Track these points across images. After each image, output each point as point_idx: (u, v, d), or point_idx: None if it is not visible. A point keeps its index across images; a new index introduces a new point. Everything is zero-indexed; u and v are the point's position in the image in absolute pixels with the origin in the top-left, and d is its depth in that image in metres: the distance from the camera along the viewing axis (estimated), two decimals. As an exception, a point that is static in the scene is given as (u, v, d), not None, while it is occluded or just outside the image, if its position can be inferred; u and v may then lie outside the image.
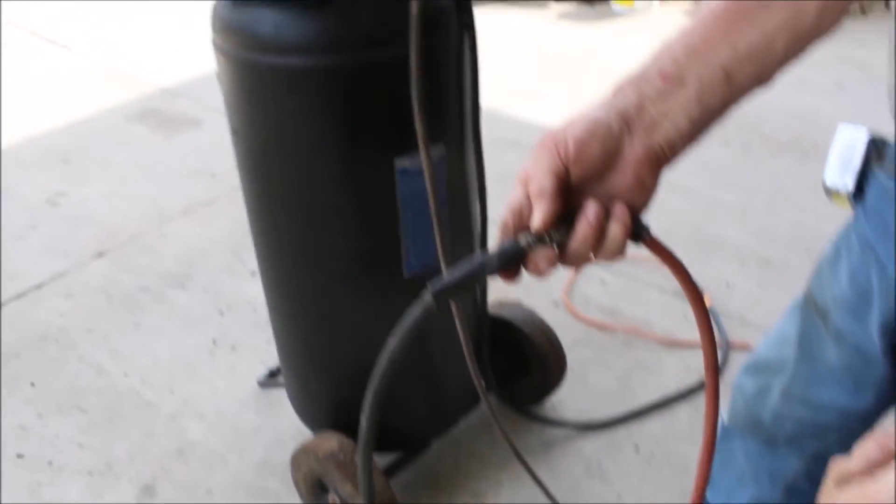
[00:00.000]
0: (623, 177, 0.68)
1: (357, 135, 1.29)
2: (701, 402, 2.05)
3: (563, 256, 0.68)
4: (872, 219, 0.89)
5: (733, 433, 1.24)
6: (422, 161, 1.21)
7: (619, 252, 0.69)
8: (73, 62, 4.50)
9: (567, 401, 2.06)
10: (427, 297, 0.68)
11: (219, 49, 1.33)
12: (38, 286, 2.62)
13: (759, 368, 1.18)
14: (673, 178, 2.96)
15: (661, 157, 0.68)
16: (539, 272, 0.69)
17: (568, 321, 2.32)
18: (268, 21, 1.23)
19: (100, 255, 2.77)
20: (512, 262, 0.68)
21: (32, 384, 2.22)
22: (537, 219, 0.66)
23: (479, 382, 1.23)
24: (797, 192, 2.87)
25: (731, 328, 2.27)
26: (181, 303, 2.50)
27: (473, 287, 1.42)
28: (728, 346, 2.20)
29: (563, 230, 0.67)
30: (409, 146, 1.27)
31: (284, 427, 2.02)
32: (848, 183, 0.92)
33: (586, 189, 0.69)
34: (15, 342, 2.38)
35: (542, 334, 1.88)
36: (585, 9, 4.94)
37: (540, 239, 0.67)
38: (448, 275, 0.68)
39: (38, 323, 2.45)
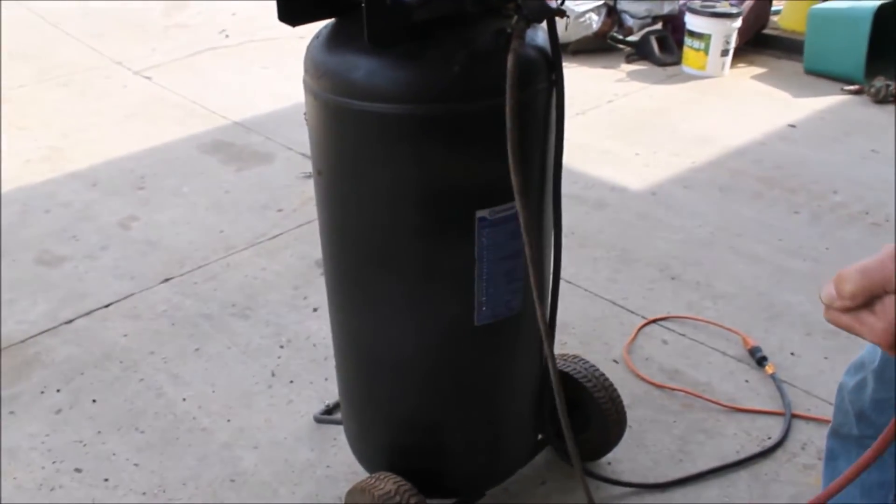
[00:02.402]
0: None
1: (440, 183, 1.31)
2: (762, 469, 2.01)
3: None
4: None
5: (838, 452, 1.30)
6: (501, 212, 1.22)
7: None
8: (154, 93, 4.66)
9: (624, 460, 2.02)
10: None
11: (309, 90, 1.38)
12: (106, 306, 2.69)
13: (857, 366, 1.27)
14: (740, 243, 2.96)
15: None
16: None
17: (627, 379, 2.29)
18: (361, 67, 1.27)
19: (166, 279, 2.83)
20: None
21: (94, 401, 2.27)
22: None
23: (570, 437, 1.23)
24: (867, 264, 2.81)
25: (795, 399, 2.22)
26: (242, 333, 2.54)
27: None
28: (791, 417, 2.15)
29: None
30: (490, 197, 1.30)
31: (337, 464, 2.03)
32: None
33: None
34: (80, 359, 2.44)
35: (604, 390, 1.87)
36: (657, 70, 4.96)
37: None
38: None
39: (104, 342, 2.51)
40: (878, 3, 4.43)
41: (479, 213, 1.31)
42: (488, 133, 1.19)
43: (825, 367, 2.35)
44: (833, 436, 1.32)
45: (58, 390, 2.31)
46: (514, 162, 1.07)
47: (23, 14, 5.82)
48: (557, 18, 1.26)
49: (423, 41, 1.26)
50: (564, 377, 1.88)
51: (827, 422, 2.10)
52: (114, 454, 2.09)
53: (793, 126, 4.10)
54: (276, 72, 4.89)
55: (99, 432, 2.16)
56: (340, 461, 2.02)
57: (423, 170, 1.31)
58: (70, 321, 2.61)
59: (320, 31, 1.41)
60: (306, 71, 1.38)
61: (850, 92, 4.51)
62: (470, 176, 1.30)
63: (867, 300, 0.77)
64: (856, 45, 4.46)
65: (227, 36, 5.62)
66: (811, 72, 4.81)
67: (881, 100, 4.36)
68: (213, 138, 4.02)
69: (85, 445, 2.12)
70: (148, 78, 4.88)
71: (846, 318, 0.79)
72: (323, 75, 1.32)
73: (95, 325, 2.60)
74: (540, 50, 1.32)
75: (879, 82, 4.39)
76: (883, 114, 4.24)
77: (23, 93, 4.62)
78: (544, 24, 1.32)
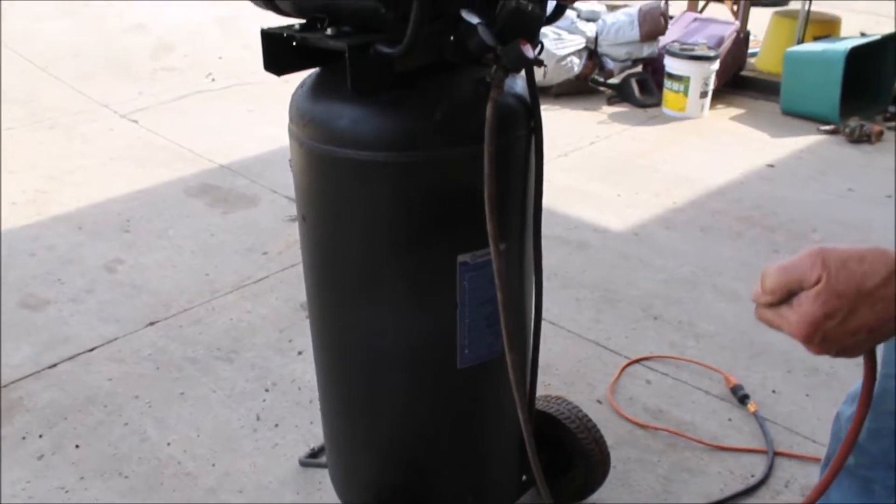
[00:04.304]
0: None
1: (422, 228, 1.33)
2: (745, 511, 2.02)
3: None
4: None
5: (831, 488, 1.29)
6: (482, 256, 1.25)
7: None
8: (140, 136, 4.70)
9: (609, 500, 2.03)
10: None
11: (294, 138, 1.40)
12: (90, 350, 2.68)
13: (854, 396, 1.30)
14: (721, 282, 2.99)
15: None
16: None
17: (611, 419, 2.31)
18: (346, 115, 1.30)
19: (151, 323, 2.83)
20: None
21: (77, 446, 2.26)
22: None
23: (539, 477, 1.24)
24: (846, 302, 2.85)
25: (776, 436, 2.23)
26: (227, 377, 2.54)
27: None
28: (774, 455, 2.16)
29: None
30: (472, 241, 1.32)
31: (323, 508, 2.02)
32: None
33: None
34: (63, 403, 2.42)
35: (587, 431, 1.88)
36: (638, 112, 5.05)
37: None
38: None
39: (87, 386, 2.50)
40: (850, 45, 4.55)
41: (461, 258, 1.34)
42: (469, 179, 1.22)
43: (806, 404, 2.38)
44: (828, 464, 1.34)
45: (40, 436, 2.29)
46: (489, 209, 1.10)
47: (10, 56, 5.86)
48: (535, 67, 1.30)
49: (406, 90, 1.29)
50: (548, 419, 1.89)
51: (810, 459, 2.14)
52: (97, 500, 2.08)
53: (771, 166, 4.17)
54: (262, 115, 4.94)
55: (82, 478, 2.15)
56: (326, 504, 2.02)
57: (406, 216, 1.33)
58: (54, 365, 2.60)
59: (305, 80, 1.44)
60: (291, 119, 1.41)
61: (827, 132, 4.61)
62: (451, 221, 1.33)
63: (786, 295, 0.82)
64: (830, 86, 4.57)
65: (213, 79, 5.68)
66: (788, 112, 4.92)
67: (856, 139, 4.46)
68: (199, 181, 4.04)
69: (68, 492, 2.10)
70: (135, 121, 4.92)
71: (769, 314, 0.84)
72: (308, 123, 1.35)
73: (79, 370, 2.59)
74: (519, 98, 1.36)
75: (854, 122, 4.50)
76: (858, 153, 4.32)
77: (9, 136, 4.64)
78: (523, 73, 1.37)
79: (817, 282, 0.80)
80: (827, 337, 0.80)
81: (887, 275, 0.78)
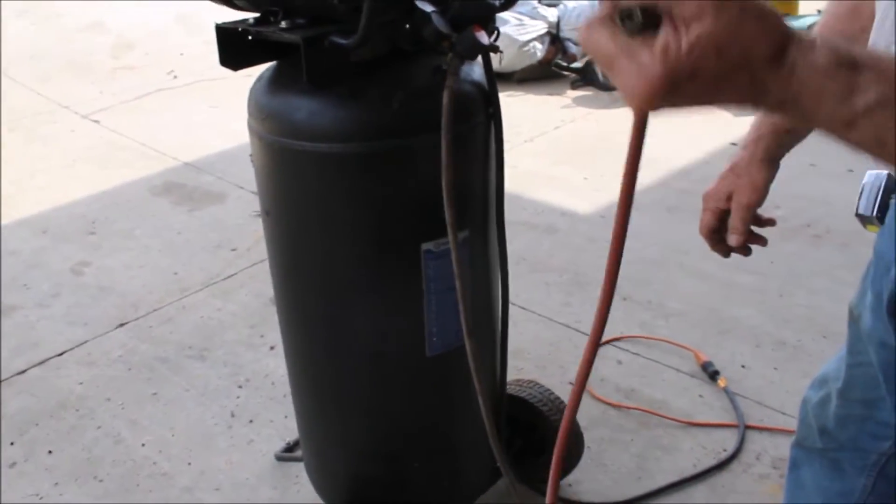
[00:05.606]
0: None
1: (385, 218, 1.34)
2: (718, 481, 2.05)
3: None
4: (885, 234, 1.05)
5: (801, 461, 1.32)
6: (446, 244, 1.25)
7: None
8: (102, 136, 4.64)
9: (584, 481, 2.05)
10: None
11: (254, 132, 1.40)
12: (59, 354, 2.66)
13: (821, 382, 1.28)
14: (689, 261, 3.02)
15: None
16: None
17: (584, 400, 2.29)
18: (303, 108, 1.30)
19: (120, 324, 2.81)
20: None
21: (50, 452, 2.24)
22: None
23: (502, 460, 1.25)
24: (811, 275, 2.90)
25: (747, 410, 2.27)
26: (200, 375, 2.53)
27: None
28: (745, 429, 2.20)
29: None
30: (435, 229, 1.33)
31: (301, 501, 2.02)
32: (873, 210, 1.09)
33: None
34: (34, 410, 2.40)
35: (560, 413, 1.89)
36: (602, 95, 5.07)
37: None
38: None
39: (58, 391, 2.48)
40: (808, 23, 4.60)
41: (425, 246, 1.34)
42: (429, 168, 1.22)
43: (775, 377, 2.41)
44: (797, 446, 1.36)
45: (12, 443, 2.27)
46: (447, 197, 1.10)
47: (-35, 61, 5.76)
48: (492, 53, 1.30)
49: (362, 80, 1.29)
50: (521, 402, 1.91)
51: (780, 431, 2.18)
52: (72, 505, 2.07)
53: (735, 144, 4.19)
54: (225, 111, 4.90)
55: (56, 484, 2.13)
56: (303, 497, 2.01)
57: (369, 206, 1.33)
58: (23, 371, 2.57)
59: (262, 74, 1.44)
60: (250, 114, 1.41)
61: (788, 109, 4.66)
62: (413, 210, 1.33)
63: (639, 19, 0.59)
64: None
65: (175, 77, 5.62)
66: (750, 90, 4.96)
67: (818, 115, 4.51)
68: (164, 180, 4.00)
69: (42, 498, 2.08)
70: (96, 121, 4.85)
71: (610, 42, 0.60)
72: (266, 118, 1.35)
73: (49, 374, 2.56)
74: (476, 85, 1.36)
75: (815, 98, 4.55)
76: (820, 129, 4.37)
77: (-33, 141, 4.57)
78: (481, 59, 1.37)
79: (697, 18, 0.57)
80: (670, 101, 0.60)
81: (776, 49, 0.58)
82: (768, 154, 1.20)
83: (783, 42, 0.59)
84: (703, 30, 0.56)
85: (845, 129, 0.61)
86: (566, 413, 0.90)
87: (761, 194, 1.21)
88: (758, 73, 0.59)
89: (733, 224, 1.26)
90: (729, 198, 1.24)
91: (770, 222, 1.30)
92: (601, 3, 0.62)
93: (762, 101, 0.61)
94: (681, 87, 0.59)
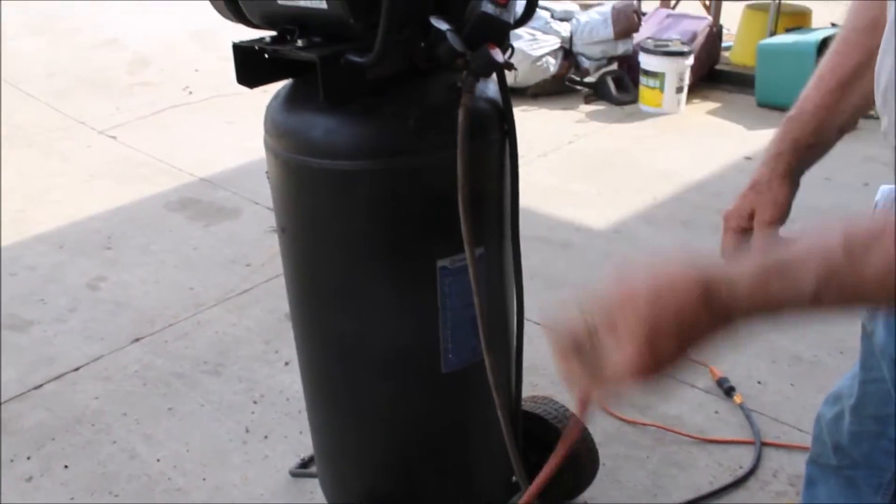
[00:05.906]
0: None
1: (400, 235, 1.34)
2: (735, 499, 2.03)
3: None
4: None
5: (816, 478, 1.32)
6: (461, 261, 1.25)
7: None
8: (119, 152, 4.67)
9: (599, 497, 2.04)
10: None
11: (270, 150, 1.41)
12: (76, 369, 2.67)
13: (835, 398, 1.28)
14: (704, 276, 2.91)
15: None
16: None
17: (599, 416, 2.32)
18: (319, 126, 1.31)
19: (136, 339, 2.82)
20: None
21: (66, 466, 2.24)
22: None
23: (521, 475, 1.25)
24: (827, 291, 2.88)
25: (763, 426, 2.25)
26: (215, 390, 2.54)
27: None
28: (761, 445, 2.18)
29: None
30: (450, 246, 1.33)
31: (315, 518, 2.03)
32: None
33: None
34: (50, 424, 2.41)
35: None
36: (615, 109, 5.08)
37: None
38: None
39: (74, 406, 2.49)
40: (822, 36, 4.59)
41: (440, 263, 1.34)
42: (444, 185, 1.23)
43: (791, 393, 2.40)
44: (811, 463, 1.35)
45: (28, 457, 2.28)
46: (464, 213, 1.10)
47: (-18, 76, 5.83)
48: (506, 70, 1.31)
49: (378, 98, 1.30)
50: (536, 419, 1.90)
51: (796, 448, 2.16)
52: (87, 520, 2.07)
53: (749, 158, 4.20)
54: (241, 127, 4.93)
55: (72, 498, 2.14)
56: (317, 514, 2.02)
57: (384, 223, 1.34)
58: (39, 386, 2.59)
59: (279, 92, 1.45)
60: (266, 131, 1.42)
61: (803, 123, 4.64)
62: (429, 227, 1.34)
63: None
64: (803, 77, 4.52)
65: (190, 92, 5.67)
66: (763, 104, 4.96)
67: (832, 129, 4.49)
68: (180, 195, 4.03)
69: (58, 513, 2.10)
70: (113, 137, 4.89)
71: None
72: (282, 135, 1.36)
73: (66, 389, 2.57)
74: (491, 102, 1.37)
75: (829, 112, 4.53)
76: (834, 143, 4.36)
77: (-16, 157, 4.61)
78: (495, 76, 1.38)
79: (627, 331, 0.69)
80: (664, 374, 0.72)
81: (695, 305, 0.70)
82: (789, 170, 1.18)
83: (706, 294, 0.68)
84: (638, 338, 0.67)
85: (815, 308, 0.69)
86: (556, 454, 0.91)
87: (784, 211, 1.19)
88: (706, 324, 0.69)
89: (757, 243, 1.25)
90: (751, 216, 1.21)
91: None
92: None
93: (732, 328, 0.71)
94: (660, 370, 0.69)
